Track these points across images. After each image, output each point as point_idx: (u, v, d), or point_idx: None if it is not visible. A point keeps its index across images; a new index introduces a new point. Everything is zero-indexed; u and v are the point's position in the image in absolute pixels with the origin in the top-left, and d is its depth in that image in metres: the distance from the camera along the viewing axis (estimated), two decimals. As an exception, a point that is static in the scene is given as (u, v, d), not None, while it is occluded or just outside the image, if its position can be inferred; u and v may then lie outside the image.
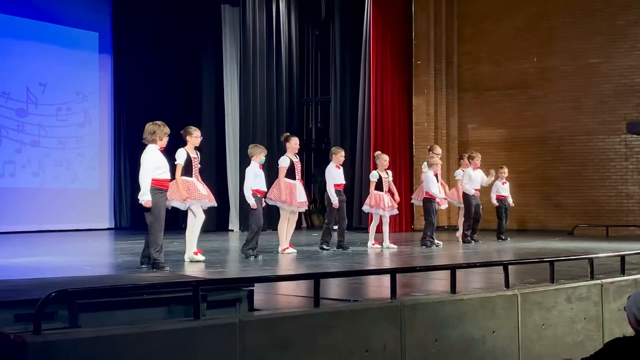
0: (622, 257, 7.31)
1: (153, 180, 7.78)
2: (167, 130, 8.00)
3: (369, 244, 11.20)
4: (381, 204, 11.16)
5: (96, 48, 16.89)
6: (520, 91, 16.75)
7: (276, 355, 4.53)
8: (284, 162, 10.11)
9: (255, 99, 16.78)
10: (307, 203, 10.46)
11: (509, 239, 12.97)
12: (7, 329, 3.95)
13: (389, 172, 11.52)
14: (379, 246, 11.11)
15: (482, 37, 17.19)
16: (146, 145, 7.97)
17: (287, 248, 10.06)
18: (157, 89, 17.17)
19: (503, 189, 13.20)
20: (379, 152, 11.94)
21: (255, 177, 9.46)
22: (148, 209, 7.75)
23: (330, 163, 10.88)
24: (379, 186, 11.29)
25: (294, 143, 10.25)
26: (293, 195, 10.01)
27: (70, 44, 16.35)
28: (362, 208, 11.84)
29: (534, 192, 16.47)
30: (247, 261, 8.98)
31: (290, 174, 10.10)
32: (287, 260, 9.36)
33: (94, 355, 3.88)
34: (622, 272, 7.22)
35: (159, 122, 8.06)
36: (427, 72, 16.96)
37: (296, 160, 10.25)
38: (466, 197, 12.46)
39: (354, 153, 16.17)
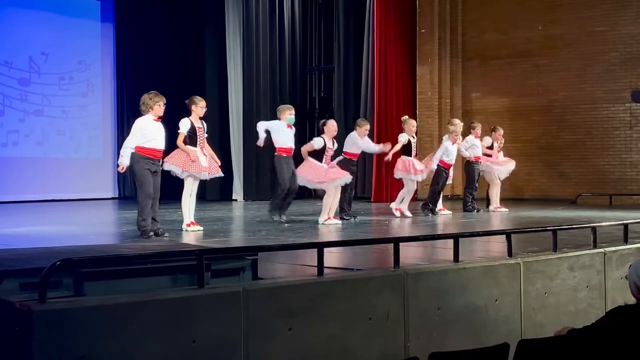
0: (625, 226, 7.31)
1: (141, 148, 7.89)
2: (157, 99, 8.02)
3: (393, 205, 11.27)
4: (412, 169, 11.10)
5: (98, 17, 16.79)
6: (525, 60, 16.61)
7: (280, 324, 4.56)
8: (317, 144, 9.98)
9: (259, 67, 16.70)
10: (345, 172, 10.12)
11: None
12: (12, 297, 3.99)
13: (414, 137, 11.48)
14: (409, 214, 11.15)
15: (487, 5, 17.01)
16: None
17: (328, 219, 9.93)
18: (159, 57, 17.10)
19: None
20: (407, 117, 11.76)
21: (281, 134, 9.51)
22: (134, 178, 7.90)
23: (354, 132, 10.83)
24: (408, 151, 11.18)
25: (331, 126, 10.13)
26: (328, 172, 9.88)
27: (72, 12, 16.26)
28: (395, 175, 11.44)
29: (537, 161, 16.43)
30: (251, 230, 8.98)
31: (319, 155, 10.00)
32: (295, 229, 9.36)
33: (98, 323, 3.91)
34: (625, 240, 7.22)
35: (151, 92, 8.11)
36: (431, 40, 16.82)
37: (330, 145, 10.07)
38: (468, 164, 12.43)
39: (358, 122, 16.09)
